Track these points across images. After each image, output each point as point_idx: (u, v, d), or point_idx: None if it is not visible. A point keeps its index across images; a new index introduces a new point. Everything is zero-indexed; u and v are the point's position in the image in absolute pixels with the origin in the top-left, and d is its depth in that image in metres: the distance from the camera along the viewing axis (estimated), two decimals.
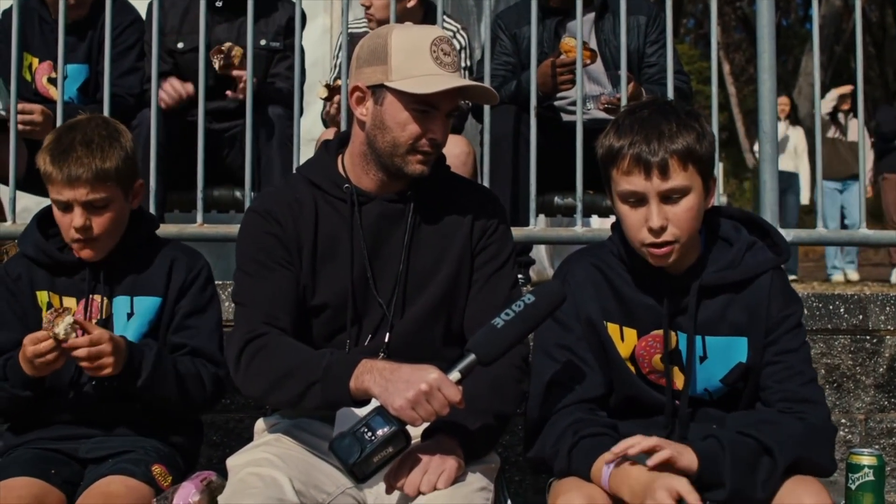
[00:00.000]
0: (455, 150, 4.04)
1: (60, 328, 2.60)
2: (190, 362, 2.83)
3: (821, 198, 4.14)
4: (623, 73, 4.01)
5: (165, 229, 3.76)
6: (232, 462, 2.58)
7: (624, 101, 3.96)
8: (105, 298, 2.85)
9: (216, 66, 4.14)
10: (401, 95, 2.53)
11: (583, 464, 2.39)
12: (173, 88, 4.22)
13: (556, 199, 4.42)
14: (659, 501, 2.20)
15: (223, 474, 2.63)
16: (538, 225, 4.07)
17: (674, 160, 2.40)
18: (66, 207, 2.78)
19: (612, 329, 2.60)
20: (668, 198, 2.43)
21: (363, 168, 2.64)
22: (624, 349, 2.60)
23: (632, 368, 2.61)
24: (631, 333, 2.59)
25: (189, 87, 4.22)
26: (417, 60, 2.52)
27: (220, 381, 2.87)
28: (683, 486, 2.22)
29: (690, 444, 2.34)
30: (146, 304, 2.87)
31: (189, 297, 2.91)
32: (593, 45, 4.30)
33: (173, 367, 2.78)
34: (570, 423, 2.47)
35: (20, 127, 4.02)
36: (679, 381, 2.59)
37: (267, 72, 4.39)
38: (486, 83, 3.78)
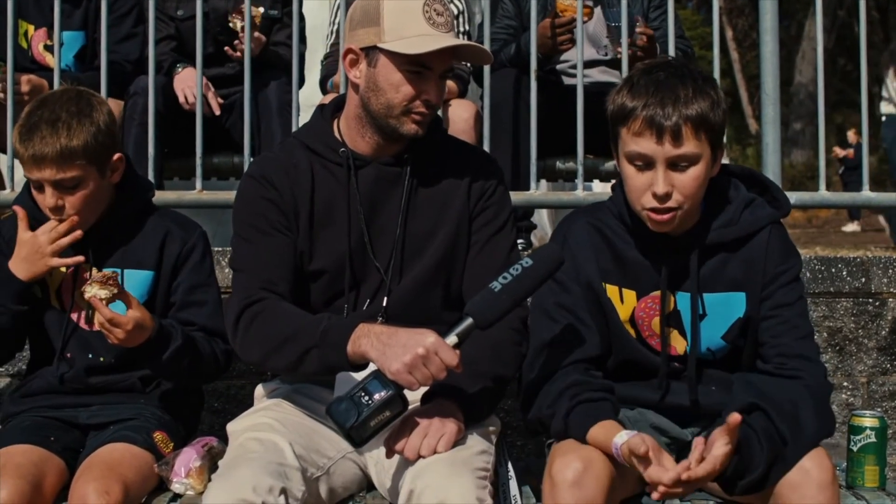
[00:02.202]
0: (464, 115, 4.03)
1: (90, 291, 2.59)
2: (205, 342, 2.80)
3: None
4: (624, 36, 3.97)
5: (164, 196, 3.76)
6: (232, 427, 2.59)
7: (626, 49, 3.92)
8: (94, 269, 2.82)
9: (236, 27, 4.13)
10: (393, 56, 2.51)
11: (580, 428, 2.38)
12: (191, 90, 4.17)
13: (558, 164, 4.39)
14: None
15: (224, 440, 2.64)
16: (539, 189, 4.04)
17: (687, 127, 2.37)
18: (38, 186, 2.73)
19: (612, 291, 2.58)
20: (675, 165, 2.40)
21: (359, 131, 2.62)
22: (623, 311, 2.58)
23: (631, 332, 2.60)
24: (630, 295, 2.58)
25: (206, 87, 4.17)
26: (410, 21, 2.50)
27: (230, 355, 2.86)
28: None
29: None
30: (137, 278, 2.84)
31: (187, 271, 2.88)
32: (598, 10, 4.28)
33: (194, 354, 2.76)
34: (567, 386, 2.45)
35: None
36: (678, 343, 2.58)
37: (268, 39, 4.36)
38: (487, 46, 3.74)
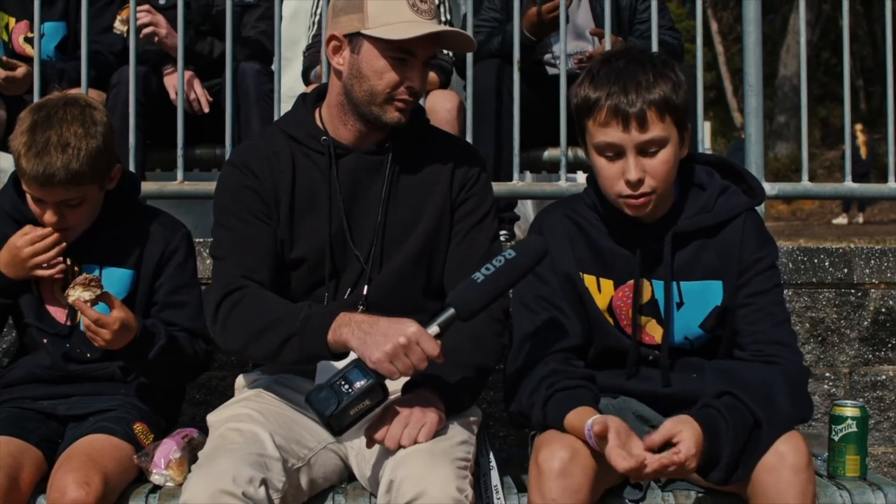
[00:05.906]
0: (447, 105, 4.02)
1: (74, 294, 2.58)
2: (188, 342, 2.80)
3: None
4: (607, 29, 3.97)
5: (146, 188, 3.73)
6: (212, 418, 2.57)
7: None
8: (75, 266, 2.80)
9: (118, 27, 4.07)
10: (377, 43, 2.50)
11: (557, 416, 2.38)
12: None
13: (541, 155, 4.38)
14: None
15: (205, 431, 2.62)
16: (524, 180, 4.03)
17: (652, 111, 2.39)
18: (39, 201, 2.71)
19: (589, 280, 2.59)
20: (645, 150, 2.41)
21: (341, 119, 2.61)
22: (601, 300, 2.59)
23: (610, 321, 2.60)
24: (608, 284, 2.58)
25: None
26: (394, 7, 2.49)
27: (210, 355, 2.87)
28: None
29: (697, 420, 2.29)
30: (116, 276, 2.82)
31: (170, 272, 2.86)
32: (586, 2, 4.28)
33: (178, 353, 2.76)
34: (545, 375, 2.45)
35: None
36: (656, 332, 2.58)
37: (238, 29, 4.32)
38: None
